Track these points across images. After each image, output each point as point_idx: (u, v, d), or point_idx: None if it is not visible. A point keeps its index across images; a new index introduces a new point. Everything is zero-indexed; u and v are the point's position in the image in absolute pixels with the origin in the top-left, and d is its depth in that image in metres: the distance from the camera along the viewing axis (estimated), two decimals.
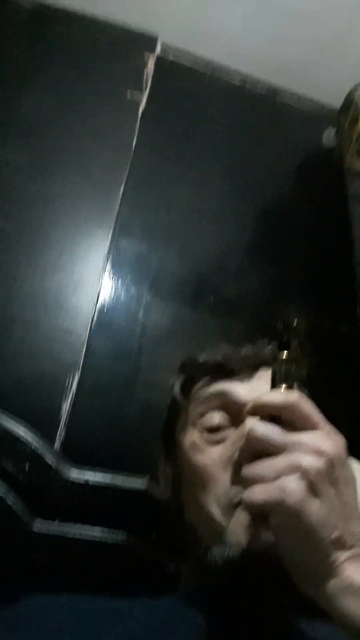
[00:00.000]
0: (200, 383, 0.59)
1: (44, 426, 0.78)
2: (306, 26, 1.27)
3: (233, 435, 0.52)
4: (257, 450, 0.40)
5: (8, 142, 1.00)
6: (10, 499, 0.69)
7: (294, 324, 0.50)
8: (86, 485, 0.74)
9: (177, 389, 0.62)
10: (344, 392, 1.04)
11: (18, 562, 0.68)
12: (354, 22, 1.26)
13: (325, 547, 0.36)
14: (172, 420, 0.63)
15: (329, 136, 1.32)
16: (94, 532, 0.72)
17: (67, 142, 1.05)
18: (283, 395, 0.42)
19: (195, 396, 0.59)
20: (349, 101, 1.38)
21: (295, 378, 0.44)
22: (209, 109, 1.24)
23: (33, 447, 0.74)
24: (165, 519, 0.73)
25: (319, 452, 0.37)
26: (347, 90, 1.37)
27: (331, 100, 1.40)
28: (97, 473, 0.76)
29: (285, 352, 0.45)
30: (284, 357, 0.45)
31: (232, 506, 0.48)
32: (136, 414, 0.86)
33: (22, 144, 1.01)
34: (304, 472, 0.36)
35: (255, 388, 0.55)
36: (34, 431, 0.75)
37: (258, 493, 0.37)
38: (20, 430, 0.74)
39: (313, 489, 0.36)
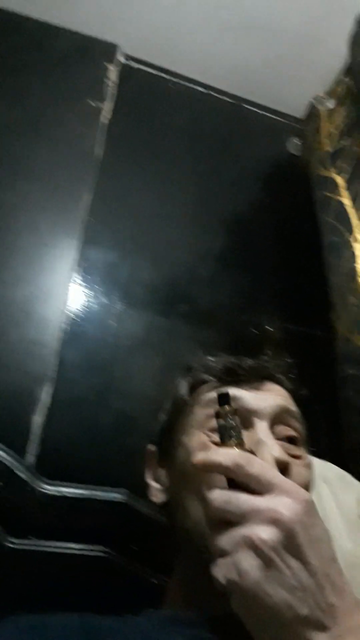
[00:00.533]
0: (208, 385, 0.58)
1: (15, 441, 0.75)
2: (268, 39, 1.31)
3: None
4: (218, 519, 0.38)
5: None
6: None
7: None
8: (63, 499, 0.72)
9: (184, 389, 0.61)
10: (320, 396, 1.05)
11: None
12: (313, 36, 1.30)
13: (293, 629, 0.32)
14: (173, 421, 0.61)
15: (293, 145, 1.35)
16: (72, 547, 0.70)
17: (29, 151, 1.04)
18: (231, 457, 0.39)
19: (202, 398, 0.58)
20: (311, 111, 1.42)
21: (240, 431, 0.43)
22: (174, 119, 1.26)
23: (5, 463, 0.71)
24: (146, 531, 0.71)
25: (274, 520, 0.34)
26: (308, 101, 1.42)
27: (294, 111, 1.44)
28: (74, 486, 0.74)
29: (227, 406, 0.44)
30: (227, 410, 0.44)
31: None
32: (111, 424, 0.84)
33: None
34: (258, 548, 0.34)
35: (264, 397, 0.55)
36: (5, 446, 0.73)
37: (218, 570, 0.35)
38: None
39: (270, 565, 0.33)
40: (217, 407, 0.55)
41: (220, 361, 0.59)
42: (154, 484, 0.62)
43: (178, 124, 1.25)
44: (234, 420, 0.43)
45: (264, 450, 0.49)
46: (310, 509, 0.36)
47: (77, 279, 0.96)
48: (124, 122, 1.17)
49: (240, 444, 0.42)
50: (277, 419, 0.54)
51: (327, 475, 0.91)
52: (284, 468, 0.48)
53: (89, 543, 0.71)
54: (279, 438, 0.53)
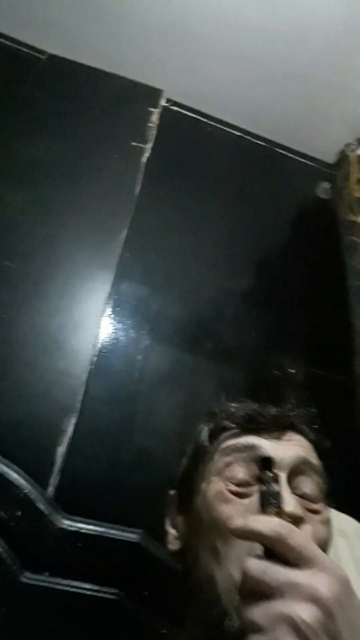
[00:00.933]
0: (229, 433, 0.57)
1: (38, 471, 0.76)
2: (303, 87, 1.35)
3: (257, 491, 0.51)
4: (253, 589, 0.37)
5: (16, 185, 1.03)
6: (1, 546, 0.66)
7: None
8: (79, 535, 0.71)
9: (205, 435, 0.59)
10: (341, 442, 1.04)
11: (7, 613, 0.64)
12: (346, 85, 1.34)
13: None
14: (193, 467, 0.61)
15: (323, 189, 1.37)
16: (85, 586, 0.69)
17: (73, 187, 1.08)
18: (272, 525, 0.38)
19: (222, 445, 0.57)
20: (342, 158, 1.45)
21: (280, 498, 0.42)
22: (209, 161, 1.29)
23: (26, 492, 0.71)
24: (159, 576, 0.70)
25: (314, 599, 0.33)
26: (340, 147, 1.45)
27: (325, 156, 1.47)
28: (90, 523, 0.73)
29: (268, 471, 0.43)
30: (270, 476, 0.43)
31: None
32: (132, 459, 0.84)
33: (30, 187, 1.04)
34: (298, 628, 0.32)
35: (284, 448, 0.54)
36: (27, 476, 0.73)
37: None
38: (14, 475, 0.72)
39: None
40: (240, 455, 0.55)
41: (243, 408, 0.58)
42: (171, 531, 0.61)
43: (213, 166, 1.28)
44: (276, 486, 0.42)
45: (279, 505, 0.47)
46: (348, 588, 0.35)
47: (108, 311, 0.97)
48: (162, 161, 1.21)
49: (280, 513, 0.41)
50: (297, 471, 0.53)
51: (345, 529, 0.89)
52: (298, 523, 0.47)
53: (101, 584, 0.71)
54: (297, 492, 0.52)
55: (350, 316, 1.22)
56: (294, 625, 0.33)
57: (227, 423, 0.58)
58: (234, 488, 0.52)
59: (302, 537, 0.37)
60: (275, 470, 0.43)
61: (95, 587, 0.70)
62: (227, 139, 1.35)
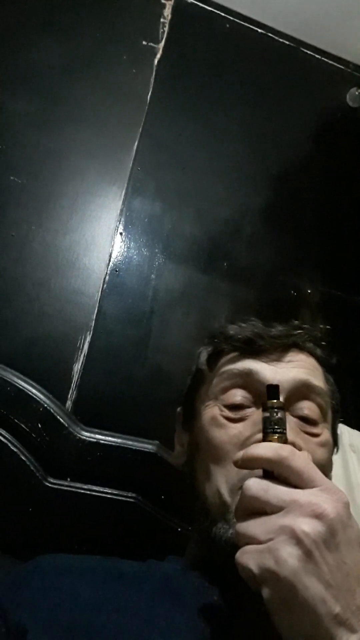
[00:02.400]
0: (228, 357, 0.57)
1: (56, 386, 0.78)
2: None
3: (253, 416, 0.52)
4: (251, 508, 0.38)
5: (19, 94, 0.96)
6: (25, 456, 0.70)
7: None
8: (98, 445, 0.75)
9: (203, 359, 0.60)
10: (355, 362, 1.04)
11: (33, 515, 0.70)
12: None
13: (325, 625, 0.32)
14: (194, 389, 0.62)
15: (354, 96, 1.26)
16: (105, 490, 0.74)
17: (80, 94, 1.00)
18: (273, 449, 0.39)
19: (220, 370, 0.57)
20: None
21: (284, 425, 0.42)
22: (227, 62, 1.18)
23: (46, 406, 0.74)
24: (174, 483, 0.74)
25: (317, 515, 0.34)
26: None
27: (358, 59, 1.33)
28: (108, 434, 0.77)
29: (275, 400, 0.43)
30: (274, 404, 0.43)
31: (240, 487, 0.48)
32: (146, 377, 0.86)
33: (34, 95, 0.97)
34: (299, 539, 0.33)
35: (284, 371, 0.54)
36: (46, 391, 0.76)
37: (249, 557, 0.35)
38: (33, 390, 0.74)
39: (310, 558, 0.32)
40: (236, 380, 0.55)
41: (243, 330, 0.57)
42: (177, 447, 0.64)
43: (231, 69, 1.17)
44: (280, 413, 0.42)
45: None
46: (348, 510, 0.36)
47: (120, 229, 0.95)
48: (176, 64, 1.11)
49: (283, 440, 0.41)
50: (297, 393, 0.53)
51: (356, 444, 0.92)
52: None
53: (120, 488, 0.75)
54: (295, 414, 0.53)
55: None
56: (295, 536, 0.33)
57: (225, 346, 0.58)
58: (227, 413, 0.53)
59: (303, 459, 0.38)
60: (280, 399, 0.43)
61: (115, 491, 0.75)
62: (248, 38, 1.22)
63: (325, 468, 0.52)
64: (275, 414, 0.42)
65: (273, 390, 0.44)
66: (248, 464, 0.40)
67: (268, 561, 0.33)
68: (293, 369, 0.54)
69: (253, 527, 0.36)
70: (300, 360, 0.56)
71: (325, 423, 0.55)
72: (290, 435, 0.46)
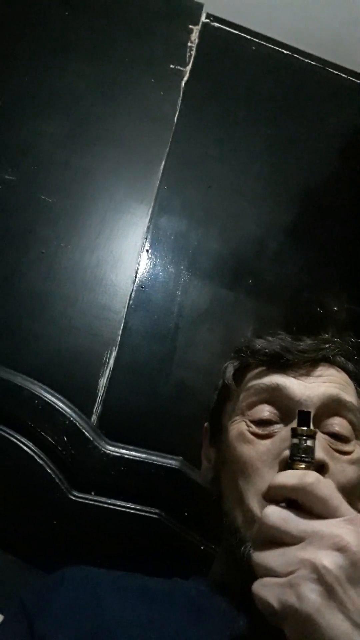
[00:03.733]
0: (255, 372, 0.56)
1: (82, 400, 0.79)
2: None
3: (282, 432, 0.50)
4: (270, 537, 0.36)
5: (49, 113, 0.99)
6: (50, 469, 0.71)
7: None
8: (122, 459, 0.75)
9: (229, 374, 0.59)
10: None
11: (57, 527, 0.70)
12: None
13: None
14: (221, 404, 0.61)
15: None
16: (128, 506, 0.74)
17: (109, 115, 1.03)
18: (297, 477, 0.37)
19: (247, 385, 0.56)
20: None
21: (313, 454, 0.41)
22: (253, 83, 1.20)
23: (72, 420, 0.75)
24: (198, 499, 0.74)
25: (339, 547, 0.32)
26: None
27: None
28: (132, 449, 0.77)
29: (305, 428, 0.42)
30: (304, 431, 0.42)
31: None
32: (171, 393, 0.86)
33: (64, 115, 1.00)
34: (320, 574, 0.31)
35: (313, 386, 0.53)
36: (73, 405, 0.77)
37: (269, 590, 0.33)
38: (60, 403, 0.76)
39: (333, 594, 0.31)
40: (264, 395, 0.54)
41: (270, 344, 0.56)
42: (204, 462, 0.64)
43: (257, 90, 1.19)
44: (310, 442, 0.41)
45: None
46: None
47: (146, 246, 0.97)
48: (202, 86, 1.13)
49: (308, 468, 0.40)
50: (328, 410, 0.52)
51: None
52: (323, 469, 0.46)
53: (144, 504, 0.75)
54: (326, 432, 0.51)
55: None
56: (316, 571, 0.31)
57: (252, 361, 0.57)
58: (254, 429, 0.52)
59: (328, 488, 0.36)
60: (312, 427, 0.42)
61: (138, 507, 0.75)
62: (273, 58, 1.24)
63: (357, 488, 0.50)
64: (304, 442, 0.41)
65: (304, 416, 0.43)
66: (273, 494, 0.39)
67: (289, 597, 0.32)
68: (323, 383, 0.53)
69: (272, 558, 0.35)
70: (331, 375, 0.55)
71: (358, 440, 0.53)
72: (319, 453, 0.45)
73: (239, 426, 0.54)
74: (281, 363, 0.54)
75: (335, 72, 1.30)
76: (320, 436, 0.50)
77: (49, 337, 0.83)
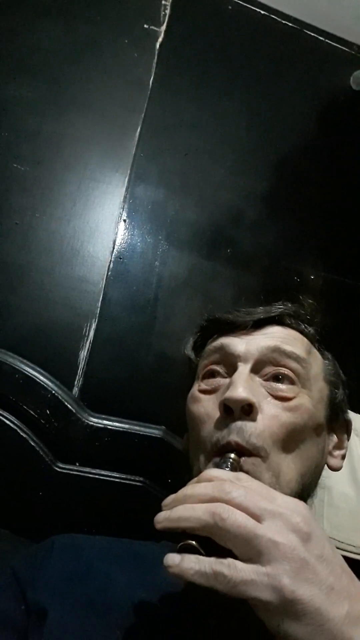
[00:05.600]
0: (211, 340, 0.60)
1: (63, 373, 0.79)
2: None
3: (224, 385, 0.53)
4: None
5: (19, 78, 0.95)
6: (34, 441, 0.72)
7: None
8: (106, 430, 0.76)
9: (188, 347, 0.64)
10: (358, 347, 1.05)
11: (43, 498, 0.71)
12: None
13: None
14: (188, 376, 0.64)
15: (357, 79, 1.24)
16: (113, 475, 0.75)
17: (81, 79, 0.99)
18: (200, 512, 0.35)
19: (204, 352, 0.60)
20: None
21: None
22: (228, 47, 1.16)
23: (54, 392, 0.75)
24: (180, 466, 0.75)
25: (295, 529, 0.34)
26: None
27: None
28: (115, 420, 0.78)
29: (232, 454, 0.46)
30: (228, 457, 0.46)
31: (212, 452, 0.49)
32: (152, 363, 0.87)
33: (34, 80, 0.96)
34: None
35: (254, 341, 0.55)
36: (54, 378, 0.77)
37: (251, 586, 0.32)
38: (41, 377, 0.75)
39: (303, 570, 0.33)
40: (213, 356, 0.57)
41: (225, 314, 0.60)
42: (185, 437, 0.66)
43: (233, 53, 1.16)
44: (232, 469, 0.44)
45: (227, 391, 0.49)
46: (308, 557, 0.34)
47: (124, 216, 0.95)
48: (177, 47, 1.09)
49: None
50: (267, 360, 0.53)
51: (358, 427, 0.93)
52: (248, 407, 0.48)
53: (128, 473, 0.76)
54: (267, 378, 0.53)
55: None
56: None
57: (207, 330, 0.61)
58: (203, 387, 0.56)
59: (239, 521, 0.34)
60: (232, 455, 0.46)
61: (123, 476, 0.76)
62: (251, 19, 1.20)
63: (294, 433, 0.51)
64: (224, 467, 0.44)
65: (228, 446, 0.48)
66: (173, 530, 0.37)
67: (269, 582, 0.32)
68: (264, 338, 0.56)
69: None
70: (275, 332, 0.57)
71: (304, 389, 0.54)
72: (242, 394, 0.48)
73: (193, 389, 0.58)
74: (228, 326, 0.58)
75: (313, 34, 1.27)
76: (259, 383, 0.53)
77: (27, 311, 0.81)
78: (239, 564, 0.33)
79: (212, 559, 0.33)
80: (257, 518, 0.34)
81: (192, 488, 0.38)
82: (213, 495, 0.36)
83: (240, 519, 0.34)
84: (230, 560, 0.33)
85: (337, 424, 0.59)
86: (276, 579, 0.32)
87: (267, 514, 0.35)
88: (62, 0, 1.03)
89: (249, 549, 0.33)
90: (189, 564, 0.34)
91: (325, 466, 0.57)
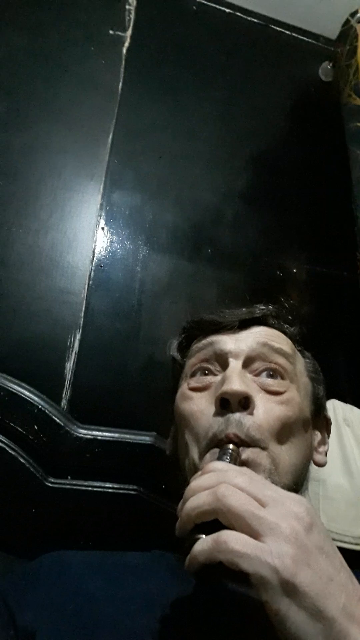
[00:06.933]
0: (197, 340, 0.61)
1: (49, 386, 0.78)
2: None
3: (216, 382, 0.53)
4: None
5: None
6: (24, 458, 0.71)
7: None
8: (95, 441, 0.75)
9: (173, 348, 0.64)
10: (345, 337, 1.05)
11: (36, 515, 0.70)
12: None
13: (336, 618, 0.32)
14: (174, 379, 0.63)
15: (325, 70, 1.25)
16: (106, 485, 0.74)
17: (50, 89, 0.99)
18: (205, 500, 0.36)
19: (190, 353, 0.60)
20: (345, 30, 1.30)
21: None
22: (196, 47, 1.16)
23: (41, 407, 0.74)
24: (174, 471, 0.75)
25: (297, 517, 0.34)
26: (343, 20, 1.29)
27: (327, 32, 1.32)
28: (105, 430, 0.77)
29: (231, 445, 0.47)
30: (229, 447, 0.46)
31: (207, 446, 0.49)
32: (140, 369, 0.86)
33: (0, 93, 0.95)
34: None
35: (244, 339, 0.56)
36: (39, 392, 0.76)
37: (248, 561, 0.32)
38: (26, 392, 0.74)
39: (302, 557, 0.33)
40: (201, 354, 0.57)
41: (209, 315, 0.61)
42: (169, 438, 0.66)
43: (201, 51, 1.16)
44: (231, 459, 0.44)
45: (223, 385, 0.50)
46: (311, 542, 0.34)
47: (101, 224, 0.94)
48: (143, 51, 1.09)
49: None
50: (257, 356, 0.55)
51: (350, 418, 0.93)
52: (245, 400, 0.49)
53: (121, 482, 0.76)
54: (257, 373, 0.54)
55: (354, 210, 1.17)
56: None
57: (192, 331, 0.62)
58: (193, 384, 0.56)
59: (243, 500, 0.35)
60: (231, 446, 0.46)
61: (116, 485, 0.75)
62: (215, 18, 1.20)
63: (286, 426, 0.51)
64: (225, 457, 0.45)
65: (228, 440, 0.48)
66: (187, 524, 0.37)
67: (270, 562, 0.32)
68: (253, 336, 0.57)
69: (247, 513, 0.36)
70: (261, 331, 0.58)
71: (293, 384, 0.55)
72: (238, 387, 0.49)
73: (182, 388, 0.57)
74: (214, 326, 0.59)
75: (279, 29, 1.28)
76: (251, 379, 0.53)
77: (9, 326, 0.81)
78: (242, 536, 0.33)
79: (215, 534, 0.34)
80: (261, 503, 0.35)
81: (197, 481, 0.38)
82: (218, 482, 0.36)
83: (244, 499, 0.35)
84: (234, 532, 0.34)
85: (319, 421, 0.61)
86: (278, 558, 0.32)
87: (270, 500, 0.35)
88: (26, 12, 1.03)
89: (252, 529, 0.33)
90: (195, 548, 0.34)
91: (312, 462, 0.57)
